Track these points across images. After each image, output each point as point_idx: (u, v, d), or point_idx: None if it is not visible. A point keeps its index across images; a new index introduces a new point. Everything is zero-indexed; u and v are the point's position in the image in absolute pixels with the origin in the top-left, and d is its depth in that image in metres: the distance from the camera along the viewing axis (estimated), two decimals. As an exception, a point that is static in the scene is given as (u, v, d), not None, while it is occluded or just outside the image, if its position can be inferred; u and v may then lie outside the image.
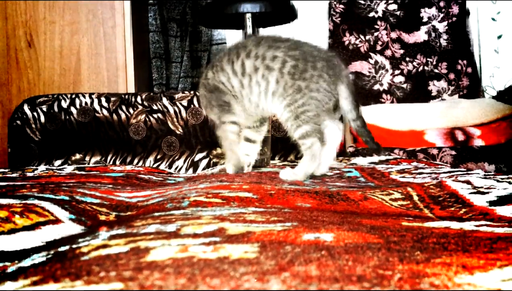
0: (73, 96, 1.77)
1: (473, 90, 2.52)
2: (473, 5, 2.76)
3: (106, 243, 0.46)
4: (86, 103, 1.75)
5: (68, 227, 0.62)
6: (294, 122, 1.08)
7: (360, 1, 2.62)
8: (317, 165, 1.10)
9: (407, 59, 2.54)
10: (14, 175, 1.23)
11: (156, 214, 0.64)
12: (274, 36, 1.16)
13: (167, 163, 1.71)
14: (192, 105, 1.74)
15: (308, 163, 1.08)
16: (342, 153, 2.14)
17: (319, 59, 1.08)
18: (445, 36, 2.57)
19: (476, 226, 0.59)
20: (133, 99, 1.76)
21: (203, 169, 1.69)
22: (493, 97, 2.30)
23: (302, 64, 1.08)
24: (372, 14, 2.61)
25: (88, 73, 2.21)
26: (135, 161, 1.72)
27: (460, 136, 1.99)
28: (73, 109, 1.74)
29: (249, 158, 1.25)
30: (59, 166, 1.67)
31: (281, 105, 1.10)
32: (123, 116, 1.73)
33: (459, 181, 0.88)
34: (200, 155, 1.72)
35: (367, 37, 2.57)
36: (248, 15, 2.33)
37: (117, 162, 1.72)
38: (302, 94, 1.07)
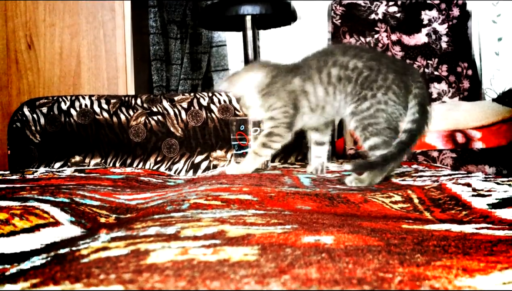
0: (73, 98, 1.77)
1: (474, 92, 2.52)
2: (474, 8, 2.76)
3: (106, 245, 0.46)
4: (86, 105, 1.75)
5: (68, 229, 0.62)
6: (362, 133, 1.09)
7: (360, 3, 2.62)
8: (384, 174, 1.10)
9: (408, 61, 2.54)
10: (14, 177, 1.23)
11: (156, 216, 0.64)
12: (361, 46, 1.19)
13: (167, 165, 1.71)
14: (192, 108, 1.74)
15: (376, 173, 1.07)
16: (342, 155, 2.14)
17: (391, 71, 1.08)
18: (445, 39, 2.57)
19: (477, 228, 0.58)
20: (133, 101, 1.76)
21: (203, 171, 1.69)
22: (494, 99, 2.30)
23: (374, 75, 1.08)
24: (372, 16, 2.61)
25: (88, 75, 2.21)
26: (135, 163, 1.72)
27: (461, 139, 1.99)
28: (73, 111, 1.73)
29: (320, 159, 1.28)
30: (59, 168, 1.67)
31: (347, 111, 1.12)
32: (123, 118, 1.73)
33: (460, 184, 0.88)
34: (200, 157, 1.72)
35: (368, 39, 2.57)
36: (248, 17, 2.33)
37: (117, 164, 1.71)
38: (369, 105, 1.08)
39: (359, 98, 1.09)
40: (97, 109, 1.74)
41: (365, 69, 1.10)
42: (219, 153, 1.72)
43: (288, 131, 1.20)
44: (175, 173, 1.70)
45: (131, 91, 2.22)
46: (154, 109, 1.74)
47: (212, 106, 1.74)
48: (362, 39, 2.58)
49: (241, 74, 1.29)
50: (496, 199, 0.76)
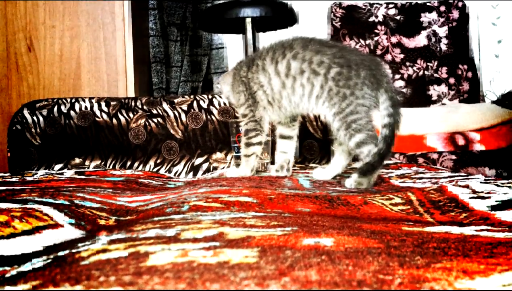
0: (73, 100, 1.77)
1: (474, 95, 2.52)
2: (474, 10, 2.76)
3: (106, 247, 0.46)
4: (86, 107, 1.75)
5: (68, 232, 0.62)
6: (346, 132, 1.08)
7: (360, 6, 2.63)
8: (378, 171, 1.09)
9: (407, 63, 2.54)
10: (13, 179, 1.23)
11: (156, 218, 0.64)
12: (320, 40, 1.16)
13: (167, 167, 1.71)
14: (192, 110, 1.74)
15: (372, 172, 1.07)
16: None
17: (362, 67, 1.08)
18: (445, 41, 2.57)
19: (477, 230, 0.58)
20: (133, 103, 1.76)
21: (203, 173, 1.69)
22: (493, 102, 2.30)
23: (346, 72, 1.08)
24: (372, 18, 2.61)
25: (88, 77, 2.21)
26: (135, 165, 1.72)
27: (461, 141, 1.99)
28: (72, 113, 1.74)
29: (287, 155, 1.25)
30: (58, 170, 1.67)
31: (329, 113, 1.10)
32: (123, 120, 1.73)
33: (459, 186, 0.88)
34: (200, 159, 1.72)
35: (367, 42, 2.57)
36: (248, 20, 2.33)
37: (117, 166, 1.71)
38: (348, 102, 1.07)
39: (339, 98, 1.08)
40: (97, 112, 1.74)
41: (334, 65, 1.09)
42: (219, 155, 1.72)
43: (258, 124, 1.21)
44: (175, 175, 1.70)
45: (131, 94, 2.22)
46: (154, 111, 1.74)
47: (212, 108, 1.74)
48: (362, 41, 2.58)
49: (223, 76, 1.32)
50: (496, 201, 0.76)
